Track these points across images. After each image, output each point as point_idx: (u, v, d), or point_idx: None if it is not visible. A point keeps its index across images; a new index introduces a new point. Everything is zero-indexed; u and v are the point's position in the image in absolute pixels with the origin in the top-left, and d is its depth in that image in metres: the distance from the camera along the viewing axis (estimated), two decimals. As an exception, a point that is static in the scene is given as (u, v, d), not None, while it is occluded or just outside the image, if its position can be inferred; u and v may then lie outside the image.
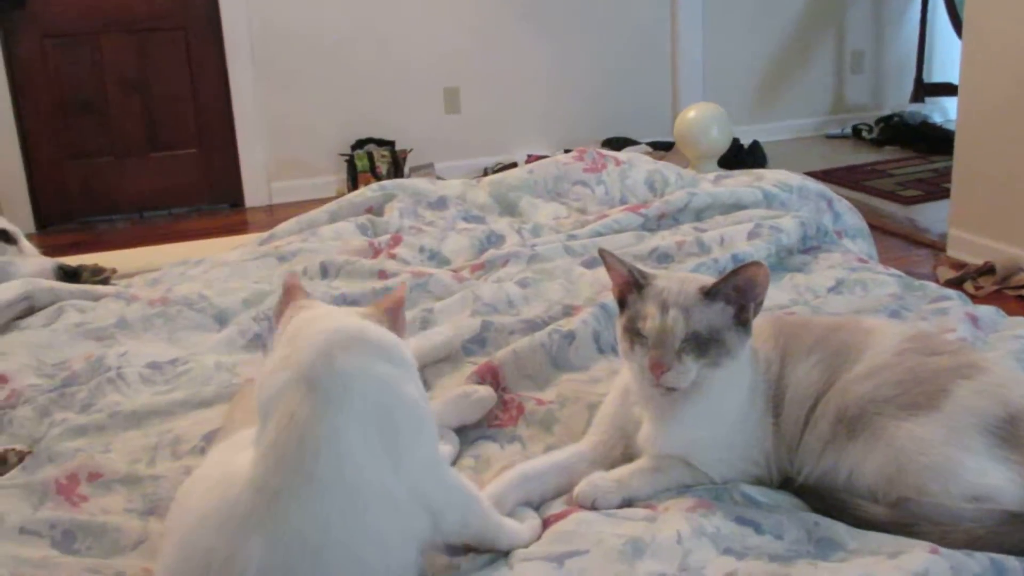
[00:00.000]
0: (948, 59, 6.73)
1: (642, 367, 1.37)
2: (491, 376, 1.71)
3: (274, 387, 1.18)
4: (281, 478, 1.12)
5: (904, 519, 1.27)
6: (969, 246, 4.19)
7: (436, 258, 2.36)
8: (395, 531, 1.17)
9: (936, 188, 5.15)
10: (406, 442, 1.20)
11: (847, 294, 2.01)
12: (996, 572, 1.16)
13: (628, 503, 1.39)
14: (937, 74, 6.84)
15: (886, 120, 6.55)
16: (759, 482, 1.43)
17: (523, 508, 1.41)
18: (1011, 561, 1.18)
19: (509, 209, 2.67)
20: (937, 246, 4.42)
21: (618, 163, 2.75)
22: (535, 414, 1.64)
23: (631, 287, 1.43)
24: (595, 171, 2.73)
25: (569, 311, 1.95)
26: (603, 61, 5.97)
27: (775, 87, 6.65)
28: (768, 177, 2.66)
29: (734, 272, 1.37)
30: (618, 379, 1.55)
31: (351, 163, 5.38)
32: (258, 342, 1.98)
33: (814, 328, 1.52)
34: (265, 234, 2.67)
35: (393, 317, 1.30)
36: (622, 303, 1.45)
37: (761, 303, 1.41)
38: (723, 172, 2.84)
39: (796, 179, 2.66)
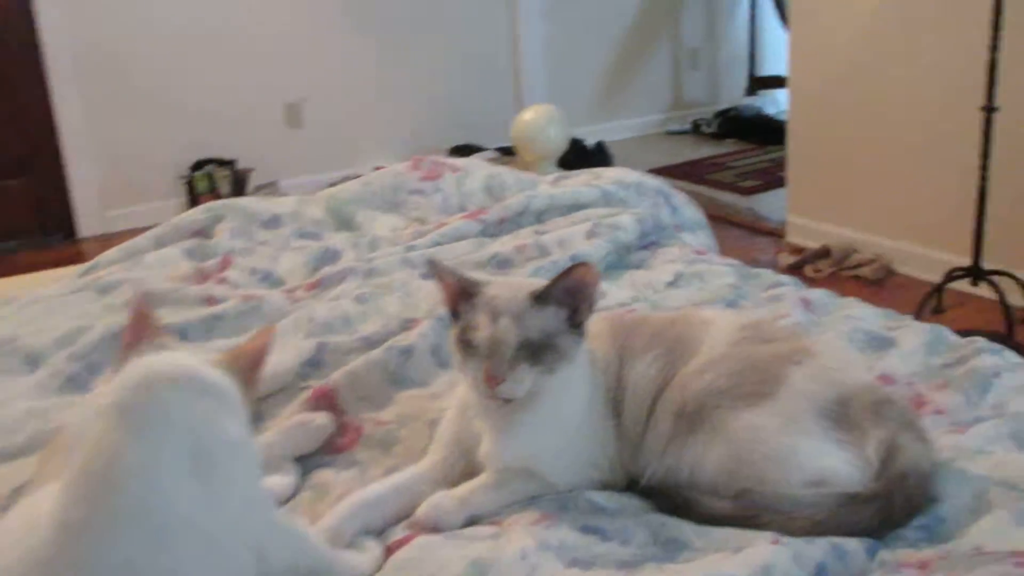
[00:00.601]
0: (777, 53, 6.98)
1: (477, 379, 1.32)
2: (327, 401, 1.63)
3: (86, 417, 1.08)
4: (84, 512, 1.01)
5: (747, 511, 1.26)
6: (807, 231, 4.34)
7: (269, 279, 2.25)
8: (211, 571, 1.07)
9: (773, 177, 5.32)
10: (224, 480, 1.11)
11: (685, 287, 2.02)
12: (837, 556, 1.15)
13: (473, 521, 1.34)
14: (768, 67, 7.10)
15: (723, 114, 6.77)
16: (605, 486, 1.40)
17: (364, 537, 1.34)
18: (851, 543, 1.18)
19: (346, 223, 2.58)
20: (777, 233, 4.56)
21: (455, 170, 2.70)
22: (374, 436, 1.57)
23: (462, 297, 1.37)
24: (432, 179, 2.67)
25: (407, 325, 1.89)
26: (446, 68, 5.93)
27: (617, 87, 6.76)
28: (606, 176, 2.66)
29: (562, 275, 1.33)
30: (456, 393, 1.50)
31: (191, 185, 5.17)
32: (73, 384, 1.83)
33: (650, 324, 1.50)
34: (86, 265, 2.50)
35: (247, 371, 1.22)
36: (455, 314, 1.40)
37: (593, 304, 1.38)
38: (563, 173, 2.83)
39: (633, 176, 2.67)
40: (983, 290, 3.45)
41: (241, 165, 5.31)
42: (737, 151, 6.20)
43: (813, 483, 1.25)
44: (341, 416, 1.62)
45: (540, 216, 2.46)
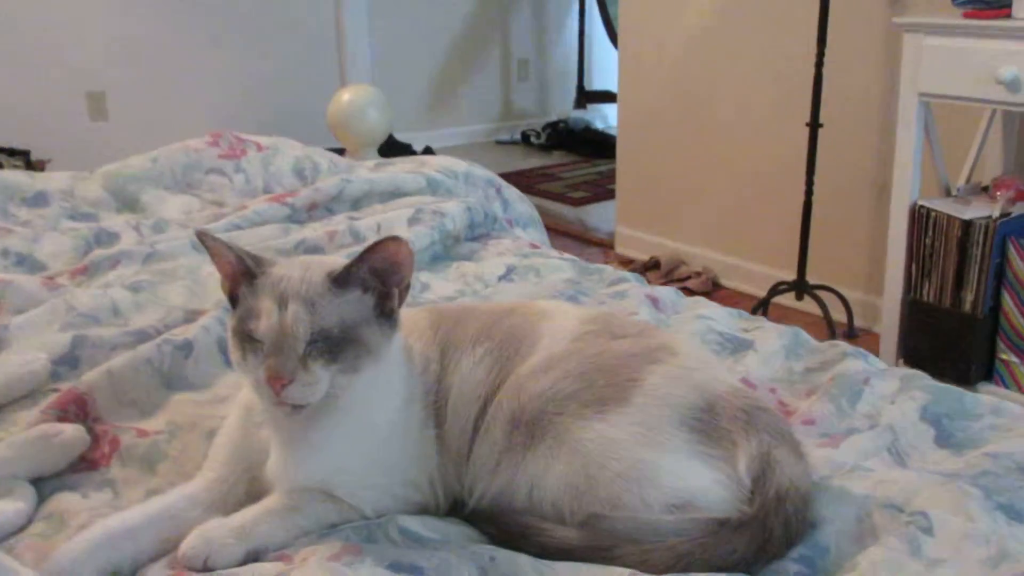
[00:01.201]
0: (606, 68, 7.03)
1: (259, 380, 1.04)
2: (76, 407, 1.30)
3: None
4: None
5: (599, 541, 1.02)
6: (635, 243, 4.28)
7: (26, 263, 1.87)
8: None
9: (602, 189, 5.27)
10: None
11: (519, 281, 1.78)
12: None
13: (254, 556, 1.04)
14: (597, 82, 7.10)
15: (552, 126, 6.69)
16: (423, 511, 1.14)
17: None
18: (722, 580, 0.96)
19: (129, 204, 2.23)
20: (606, 244, 4.50)
21: (260, 148, 2.38)
22: (134, 449, 1.25)
23: (242, 278, 1.09)
24: (233, 157, 2.35)
25: (193, 318, 1.58)
26: (268, 65, 5.53)
27: (446, 94, 6.60)
28: (432, 163, 2.41)
29: (368, 250, 1.07)
30: (240, 396, 1.21)
31: (-24, 175, 4.58)
32: None
33: (479, 315, 1.25)
34: None
35: None
36: (233, 299, 1.11)
37: (408, 287, 1.12)
38: (383, 160, 2.56)
39: (462, 165, 2.43)
40: (807, 304, 3.43)
41: (36, 156, 4.77)
42: (566, 163, 6.12)
43: (676, 507, 1.03)
44: (94, 424, 1.29)
45: (356, 203, 2.19)
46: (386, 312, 1.10)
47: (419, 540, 1.06)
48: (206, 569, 1.02)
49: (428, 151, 5.47)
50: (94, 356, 1.47)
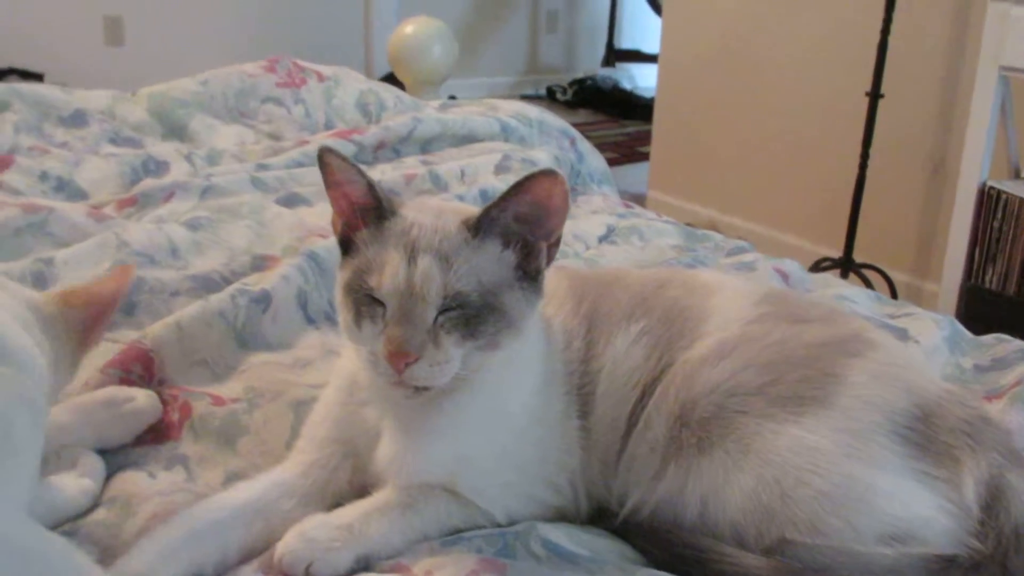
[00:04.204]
0: (637, 26, 6.81)
1: (375, 354, 0.84)
2: (141, 365, 1.10)
3: None
4: None
5: (792, 573, 0.83)
6: (667, 208, 4.12)
7: (66, 189, 1.67)
8: None
9: (630, 151, 5.08)
10: None
11: (623, 244, 1.58)
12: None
13: (365, 564, 0.85)
14: (627, 40, 6.86)
15: (579, 83, 6.43)
16: (562, 517, 0.95)
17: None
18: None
19: (176, 131, 2.01)
20: (637, 206, 4.30)
21: (321, 78, 2.16)
22: (209, 420, 1.06)
23: (363, 218, 0.88)
24: (292, 86, 2.13)
25: (261, 264, 1.38)
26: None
27: (470, 44, 6.34)
28: (504, 108, 2.20)
29: (515, 189, 0.86)
30: (339, 365, 1.01)
31: (-13, 95, 4.39)
32: None
33: (630, 283, 1.05)
34: None
35: (88, 322, 0.86)
36: (346, 245, 0.91)
37: (559, 241, 0.92)
38: (449, 101, 2.34)
39: (535, 111, 2.23)
40: (850, 283, 3.25)
41: (51, 80, 4.57)
42: (593, 122, 5.90)
43: (893, 537, 0.84)
44: (160, 388, 1.10)
45: (426, 145, 1.98)
46: (530, 273, 0.90)
47: (568, 557, 0.87)
48: (309, 576, 0.84)
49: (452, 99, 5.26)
50: (152, 303, 1.28)
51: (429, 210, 0.91)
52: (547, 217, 0.89)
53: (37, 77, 4.58)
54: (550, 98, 6.44)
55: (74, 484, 0.93)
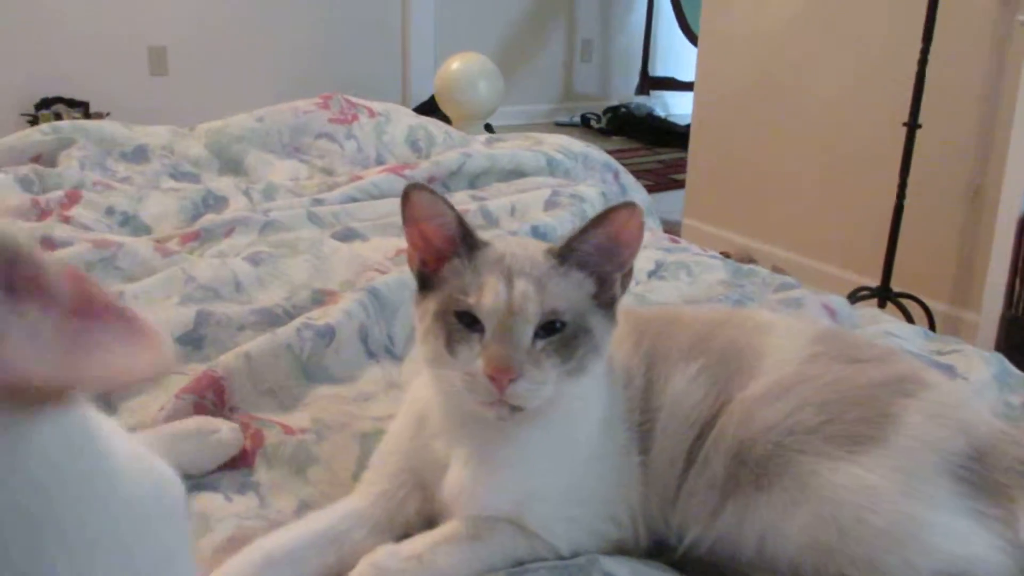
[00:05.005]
0: (671, 54, 6.84)
1: (472, 375, 0.87)
2: (213, 392, 1.15)
3: None
4: None
5: (851, 608, 0.85)
6: (702, 236, 4.13)
7: (131, 223, 1.73)
8: None
9: (665, 179, 5.10)
10: None
11: (671, 279, 1.61)
12: None
13: (434, 593, 0.89)
14: (661, 68, 6.90)
15: (614, 110, 6.48)
16: (621, 551, 0.98)
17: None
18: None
19: (232, 166, 2.07)
20: (673, 234, 4.31)
21: (372, 114, 2.22)
22: (281, 448, 1.10)
23: (452, 249, 0.92)
24: (344, 122, 2.18)
25: (320, 298, 1.42)
26: (330, 32, 5.39)
27: (508, 72, 6.39)
28: (549, 142, 2.24)
29: (596, 221, 0.90)
30: (409, 398, 1.05)
31: (35, 124, 4.49)
32: None
33: (687, 323, 1.08)
34: None
35: None
36: (425, 277, 0.95)
37: (631, 272, 0.96)
38: (494, 135, 2.39)
39: (579, 146, 2.26)
40: (887, 313, 3.24)
41: (95, 109, 4.69)
42: (627, 149, 5.93)
43: (949, 574, 0.86)
44: (230, 414, 1.14)
45: (474, 180, 2.02)
46: (605, 302, 0.93)
47: (630, 590, 0.90)
48: (379, 605, 0.87)
49: (488, 128, 5.32)
50: (218, 335, 1.32)
51: (513, 241, 0.95)
52: (623, 248, 0.92)
53: (83, 106, 4.70)
54: (584, 126, 6.49)
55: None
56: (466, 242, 0.92)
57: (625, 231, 0.91)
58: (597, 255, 0.92)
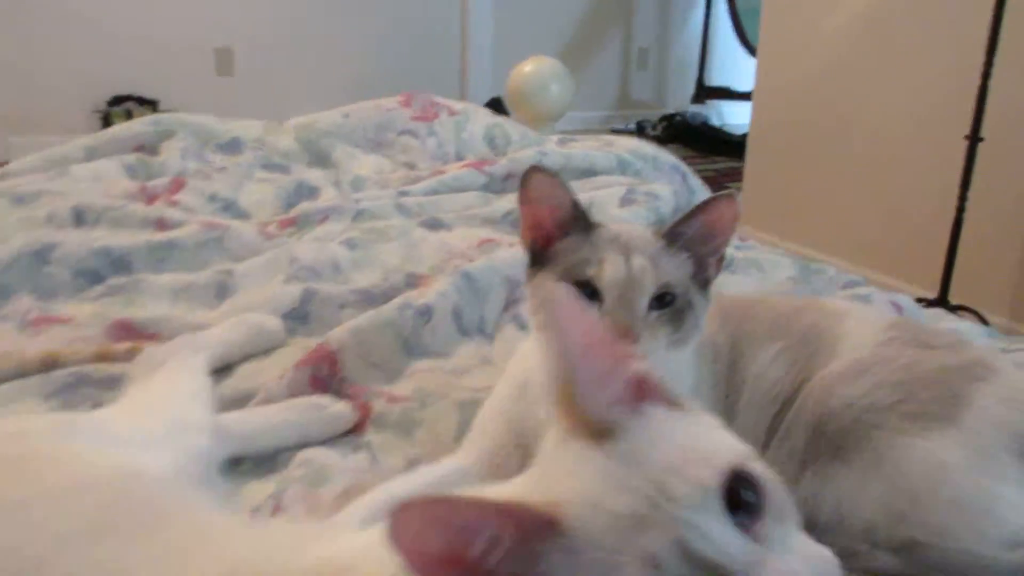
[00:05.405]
0: (728, 63, 6.83)
1: None
2: (327, 364, 1.25)
3: None
4: None
5: (923, 572, 0.93)
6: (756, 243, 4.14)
7: (232, 209, 1.84)
8: None
9: (719, 187, 5.07)
10: None
11: (742, 274, 1.69)
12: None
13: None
14: (717, 77, 6.90)
15: (669, 119, 6.51)
16: (705, 514, 1.06)
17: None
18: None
19: (320, 159, 2.18)
20: None
21: (452, 112, 2.32)
22: (388, 415, 1.19)
23: (567, 228, 1.01)
24: (426, 120, 2.29)
25: (413, 281, 1.52)
26: (389, 25, 5.51)
27: (564, 79, 6.50)
28: (620, 143, 2.32)
29: (700, 208, 0.99)
30: (512, 366, 1.14)
31: (107, 121, 4.67)
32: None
33: (770, 307, 1.16)
34: (-4, 171, 2.05)
35: None
36: (538, 254, 1.04)
37: (723, 258, 1.05)
38: (566, 135, 2.48)
39: (650, 148, 2.35)
40: (959, 319, 3.26)
41: (164, 107, 4.83)
42: (682, 157, 5.89)
43: (1016, 544, 0.93)
44: (342, 385, 1.24)
45: (549, 178, 2.10)
46: (701, 283, 1.02)
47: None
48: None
49: (546, 134, 5.42)
50: (322, 313, 1.42)
51: (622, 224, 1.04)
52: (719, 234, 1.01)
53: (152, 104, 4.85)
54: (640, 133, 6.52)
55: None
56: (579, 222, 1.01)
57: (723, 219, 1.00)
58: (697, 239, 1.01)
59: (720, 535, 0.54)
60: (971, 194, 2.98)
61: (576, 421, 0.58)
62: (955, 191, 2.99)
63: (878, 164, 3.61)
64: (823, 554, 0.58)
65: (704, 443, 0.58)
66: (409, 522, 0.49)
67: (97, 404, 1.16)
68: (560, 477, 0.56)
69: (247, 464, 1.09)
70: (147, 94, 4.87)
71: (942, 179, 3.14)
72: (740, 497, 0.56)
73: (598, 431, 0.58)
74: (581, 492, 0.54)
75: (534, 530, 0.52)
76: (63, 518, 0.72)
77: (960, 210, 3.01)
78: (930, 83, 3.34)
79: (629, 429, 0.58)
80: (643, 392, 0.61)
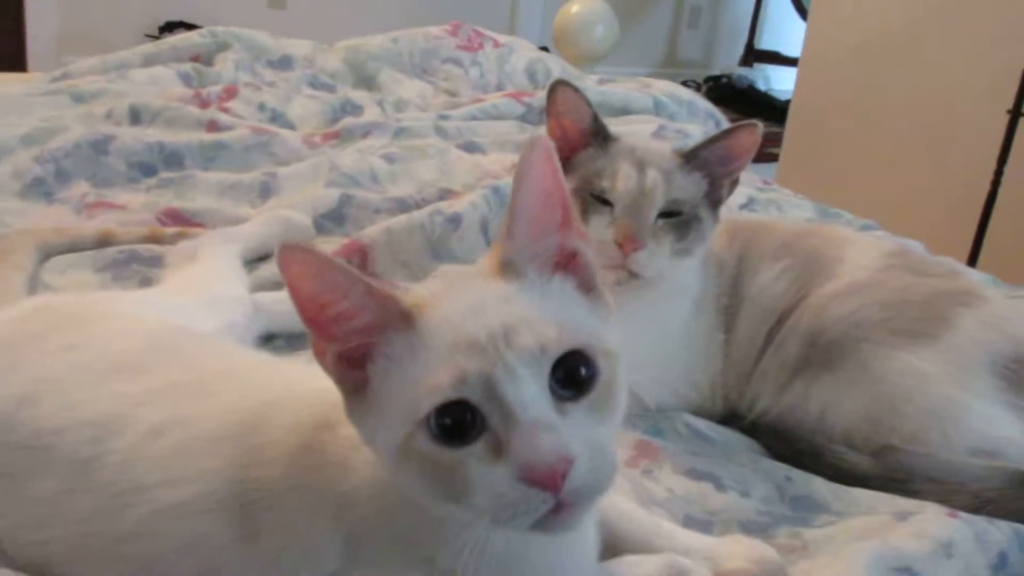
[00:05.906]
0: (779, 28, 6.74)
1: (603, 242, 1.04)
2: (359, 257, 1.34)
3: None
4: None
5: (893, 473, 1.00)
6: None
7: (279, 120, 1.93)
8: None
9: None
10: None
11: (761, 213, 1.75)
12: (1020, 544, 0.91)
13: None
14: (767, 41, 6.83)
15: (715, 80, 6.46)
16: (699, 412, 1.14)
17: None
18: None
19: (366, 81, 2.26)
20: None
21: (497, 44, 2.39)
22: (414, 309, 1.28)
23: (587, 140, 1.09)
24: (470, 50, 2.36)
25: (445, 195, 1.60)
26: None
27: (612, 33, 6.46)
28: (657, 86, 2.38)
29: (723, 134, 1.08)
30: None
31: (158, 45, 4.74)
32: (38, 189, 1.51)
33: (778, 231, 1.23)
34: (57, 72, 2.14)
35: None
36: (562, 164, 1.11)
37: (737, 181, 1.12)
38: (605, 76, 2.54)
39: (686, 93, 2.40)
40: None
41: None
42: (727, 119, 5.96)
43: (982, 451, 1.00)
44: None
45: (585, 114, 2.17)
46: (713, 202, 1.10)
47: (706, 438, 1.07)
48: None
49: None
50: (357, 216, 1.51)
51: (642, 139, 1.11)
52: (736, 159, 1.10)
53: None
54: (685, 93, 6.52)
55: None
56: (599, 135, 1.08)
57: (743, 145, 1.08)
58: (715, 161, 1.09)
59: (527, 388, 0.57)
60: (1008, 168, 3.00)
61: (497, 260, 0.64)
62: (992, 165, 3.00)
63: (917, 136, 3.61)
64: (604, 447, 0.59)
65: (573, 322, 0.62)
66: (290, 262, 0.58)
67: (144, 280, 1.25)
68: (446, 291, 0.63)
69: (280, 340, 1.18)
70: (198, 22, 4.88)
71: (980, 154, 3.14)
72: (577, 377, 0.60)
73: (504, 269, 0.63)
74: (448, 308, 0.61)
75: (391, 317, 0.61)
76: (103, 357, 0.81)
77: (995, 184, 3.02)
78: (975, 58, 3.33)
79: (527, 281, 0.63)
80: (568, 265, 0.66)
